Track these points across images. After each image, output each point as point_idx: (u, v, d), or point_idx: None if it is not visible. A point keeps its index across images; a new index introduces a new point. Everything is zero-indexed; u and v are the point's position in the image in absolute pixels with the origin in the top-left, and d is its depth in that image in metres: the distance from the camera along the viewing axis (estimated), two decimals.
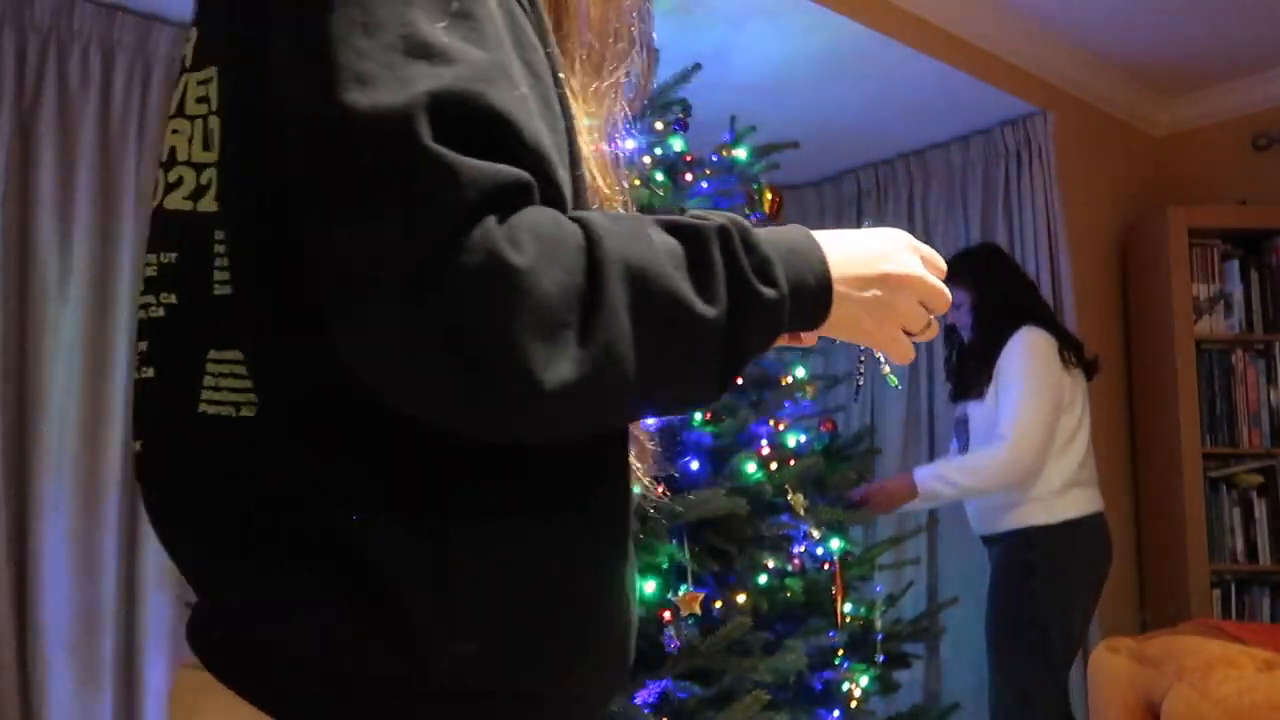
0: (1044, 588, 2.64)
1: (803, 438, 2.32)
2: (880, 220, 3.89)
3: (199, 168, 0.71)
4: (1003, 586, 2.73)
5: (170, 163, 0.72)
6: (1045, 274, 3.43)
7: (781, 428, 2.24)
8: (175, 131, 0.72)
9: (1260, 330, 3.56)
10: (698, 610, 1.83)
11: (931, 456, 3.64)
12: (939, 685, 3.56)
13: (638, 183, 2.13)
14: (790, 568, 2.13)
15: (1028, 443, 2.64)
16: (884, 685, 2.27)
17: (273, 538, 0.65)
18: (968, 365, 2.87)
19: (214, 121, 0.69)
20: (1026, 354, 2.72)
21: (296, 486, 0.64)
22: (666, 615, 1.83)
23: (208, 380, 0.67)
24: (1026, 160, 3.48)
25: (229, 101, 0.68)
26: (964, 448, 2.88)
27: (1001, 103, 3.39)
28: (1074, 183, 3.56)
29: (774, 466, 2.10)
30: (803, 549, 2.15)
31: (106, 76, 2.56)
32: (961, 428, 2.92)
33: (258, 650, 0.66)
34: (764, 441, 2.16)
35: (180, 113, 0.72)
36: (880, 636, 2.21)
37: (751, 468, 2.04)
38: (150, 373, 0.71)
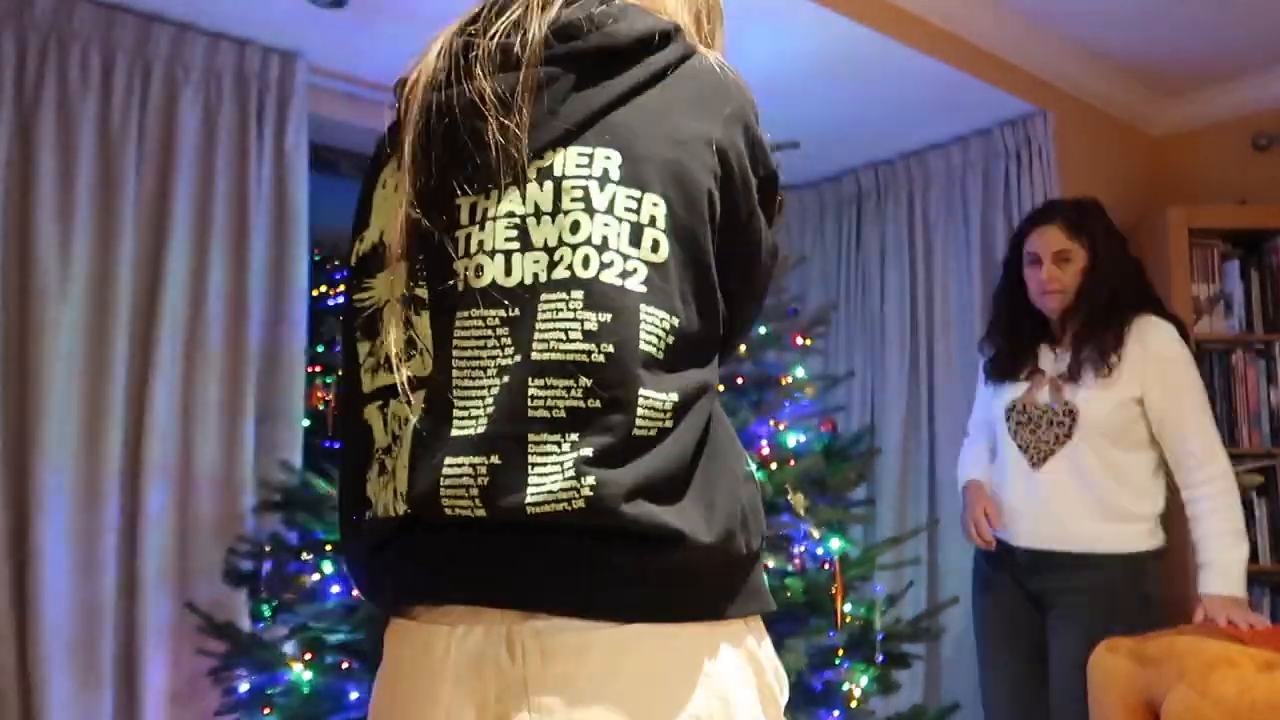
0: (1158, 623, 2.36)
1: (803, 438, 2.32)
2: (880, 220, 3.89)
3: (625, 257, 0.92)
4: (1106, 622, 2.34)
5: (603, 247, 0.92)
6: None
7: (781, 428, 2.24)
8: (606, 225, 0.92)
9: (1260, 330, 3.56)
10: None
11: (932, 456, 3.64)
12: (939, 685, 3.56)
13: None
14: (790, 568, 2.13)
15: (1224, 460, 2.41)
16: (884, 685, 2.27)
17: None
18: (1087, 341, 2.48)
19: (654, 233, 0.93)
20: (1188, 354, 2.47)
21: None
22: None
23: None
24: (1026, 160, 3.48)
25: (678, 228, 0.95)
26: (1021, 442, 2.54)
27: (1001, 103, 3.39)
28: (1074, 183, 3.55)
29: (774, 466, 2.10)
30: (803, 549, 2.15)
31: (106, 76, 2.56)
32: (1019, 417, 2.56)
33: None
34: (764, 441, 2.16)
35: (610, 210, 0.93)
36: (880, 636, 2.20)
37: (752, 468, 2.04)
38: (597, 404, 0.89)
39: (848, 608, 2.13)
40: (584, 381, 0.89)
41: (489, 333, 0.92)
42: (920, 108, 3.42)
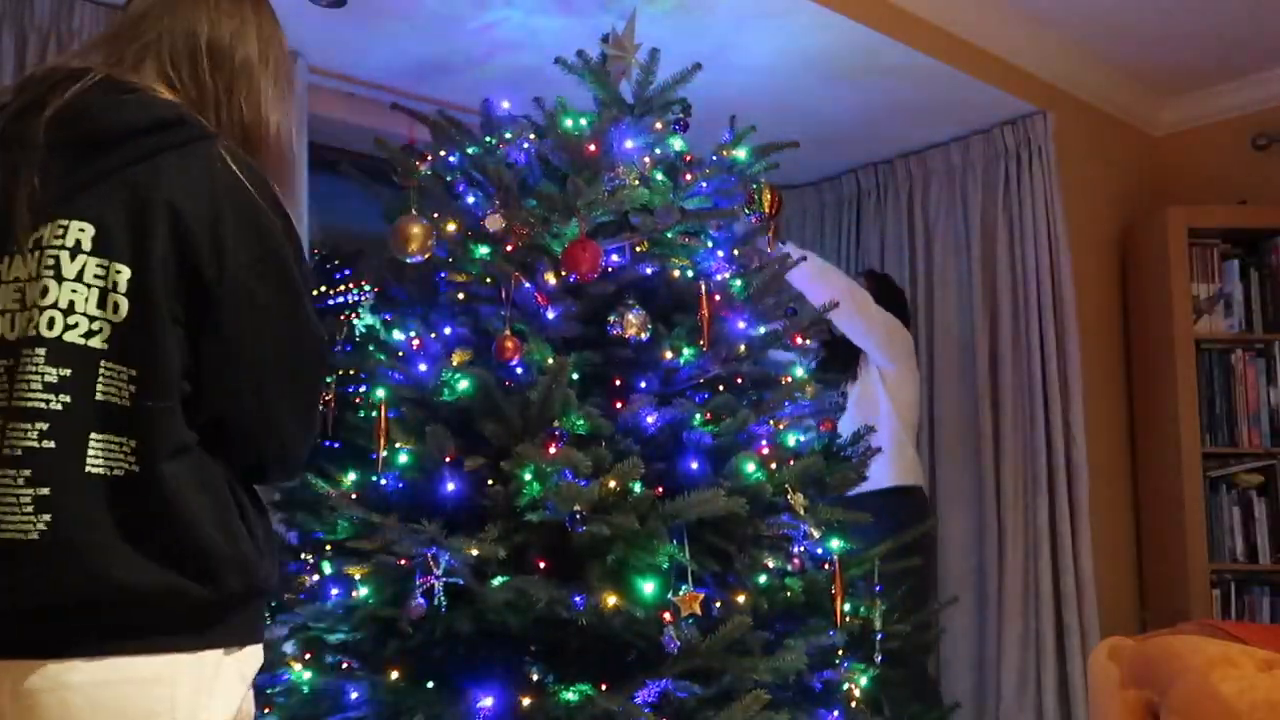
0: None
1: (803, 438, 2.31)
2: (880, 220, 3.89)
3: (91, 319, 1.10)
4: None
5: (69, 310, 1.10)
6: (1045, 274, 3.43)
7: (781, 428, 2.24)
8: (74, 290, 1.10)
9: (1260, 330, 3.56)
10: (698, 610, 1.82)
11: (932, 457, 3.65)
12: (939, 685, 3.56)
13: (637, 183, 2.13)
14: (790, 568, 2.13)
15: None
16: (884, 685, 2.27)
17: None
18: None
19: (117, 298, 1.11)
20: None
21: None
22: (666, 615, 1.83)
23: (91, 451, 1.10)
24: (1026, 160, 3.48)
25: (143, 296, 1.11)
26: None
27: (1001, 103, 3.39)
28: (1074, 183, 3.56)
29: (774, 466, 2.10)
30: (803, 549, 2.15)
31: None
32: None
33: None
34: (764, 441, 2.16)
35: (79, 279, 1.10)
36: (880, 636, 2.20)
37: (751, 468, 2.04)
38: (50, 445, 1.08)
39: (847, 607, 2.13)
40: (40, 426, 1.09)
41: None
42: (920, 108, 3.42)
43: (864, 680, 2.14)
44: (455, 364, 2.04)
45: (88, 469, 1.08)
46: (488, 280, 2.14)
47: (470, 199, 2.27)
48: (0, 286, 1.13)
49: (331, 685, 1.96)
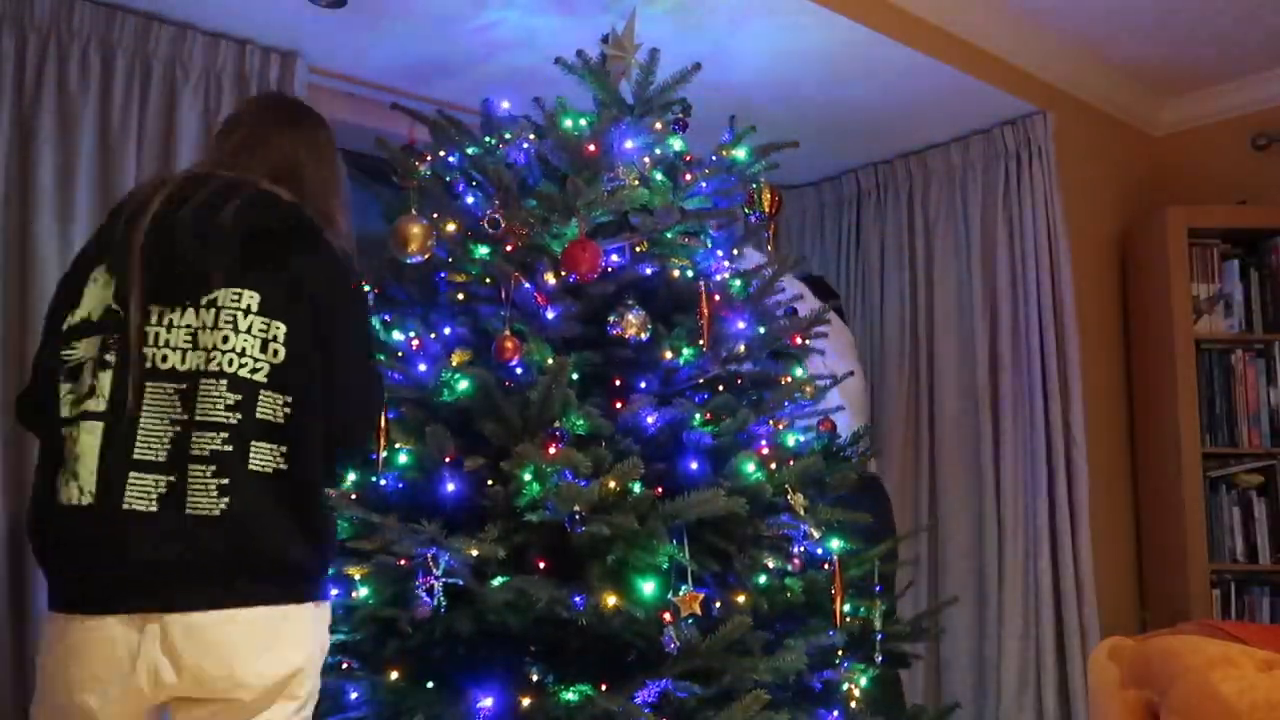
0: None
1: (803, 438, 2.32)
2: (880, 220, 3.89)
3: (255, 359, 1.54)
4: None
5: (242, 354, 1.53)
6: (1045, 274, 3.43)
7: (781, 428, 2.24)
8: (245, 340, 1.54)
9: (1260, 330, 3.56)
10: (698, 610, 1.83)
11: (932, 456, 3.65)
12: (939, 685, 3.56)
13: (637, 183, 2.13)
14: (790, 568, 2.13)
15: None
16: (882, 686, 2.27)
17: None
18: None
19: (276, 346, 1.56)
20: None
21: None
22: (666, 615, 1.83)
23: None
24: (1026, 160, 3.48)
25: (293, 344, 1.57)
26: None
27: (1001, 103, 3.39)
28: (1074, 183, 3.56)
29: (774, 466, 2.10)
30: (803, 549, 2.15)
31: (106, 76, 2.56)
32: None
33: None
34: (764, 441, 2.16)
35: (249, 332, 1.54)
36: (881, 636, 2.20)
37: (751, 468, 2.04)
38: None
39: (847, 608, 2.13)
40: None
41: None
42: (920, 108, 3.41)
43: (864, 680, 2.15)
44: (455, 364, 2.04)
45: (250, 466, 1.50)
46: (487, 280, 2.14)
47: (470, 199, 2.27)
48: (173, 330, 1.53)
49: (331, 685, 1.96)
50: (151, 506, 1.46)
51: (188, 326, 1.53)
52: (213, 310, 1.53)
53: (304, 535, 1.54)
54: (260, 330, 1.54)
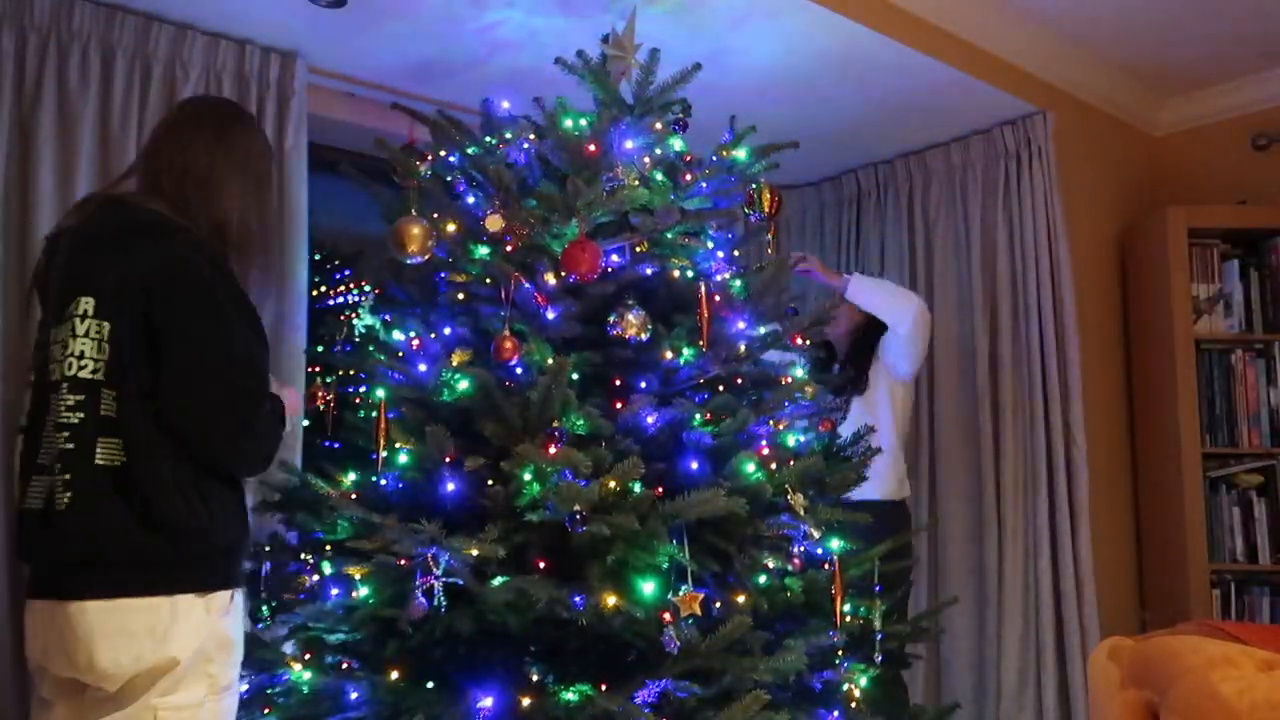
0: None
1: (803, 438, 2.31)
2: (880, 220, 3.89)
3: (95, 360, 1.64)
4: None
5: (81, 356, 1.64)
6: (1045, 274, 3.43)
7: (781, 428, 2.24)
8: (83, 343, 1.65)
9: (1260, 330, 3.56)
10: (698, 610, 1.82)
11: (932, 457, 3.65)
12: (939, 685, 3.56)
13: (637, 183, 2.13)
14: (790, 568, 2.13)
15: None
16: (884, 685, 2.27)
17: None
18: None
19: (105, 344, 1.65)
20: None
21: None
22: (666, 615, 1.83)
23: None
24: (1026, 160, 3.48)
25: (116, 339, 1.65)
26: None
27: (1001, 103, 3.39)
28: (1074, 183, 3.56)
29: (774, 466, 2.10)
30: (803, 549, 2.15)
31: (106, 76, 2.56)
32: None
33: None
34: (764, 442, 2.15)
35: (86, 335, 1.65)
36: (880, 636, 2.20)
37: (751, 468, 2.04)
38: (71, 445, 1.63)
39: (847, 608, 2.13)
40: None
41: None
42: (920, 108, 3.42)
43: (864, 680, 2.14)
44: (455, 364, 2.04)
45: (96, 462, 1.60)
46: (488, 280, 2.14)
47: (470, 199, 2.27)
48: (54, 345, 1.68)
49: (331, 685, 1.96)
50: (39, 505, 1.64)
51: (61, 341, 1.67)
52: (69, 321, 1.66)
53: (146, 526, 1.59)
54: (96, 332, 1.64)
